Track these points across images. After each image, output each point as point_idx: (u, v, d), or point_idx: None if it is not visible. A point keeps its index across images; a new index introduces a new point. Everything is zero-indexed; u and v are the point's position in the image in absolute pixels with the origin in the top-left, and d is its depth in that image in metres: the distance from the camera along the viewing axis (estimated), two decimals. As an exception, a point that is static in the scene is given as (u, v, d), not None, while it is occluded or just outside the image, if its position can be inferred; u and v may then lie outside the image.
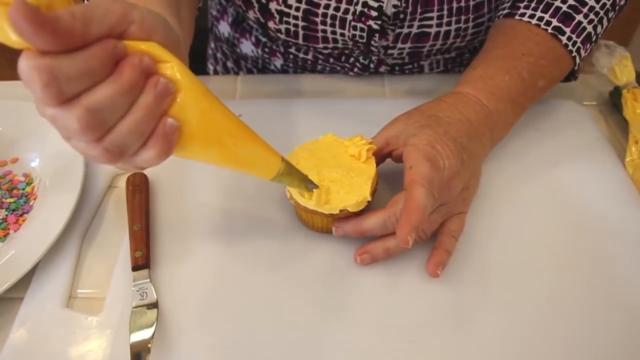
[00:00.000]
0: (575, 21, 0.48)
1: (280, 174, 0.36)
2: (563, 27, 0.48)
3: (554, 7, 0.49)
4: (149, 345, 0.37)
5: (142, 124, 0.28)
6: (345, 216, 0.42)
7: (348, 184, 0.41)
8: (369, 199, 0.41)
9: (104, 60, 0.26)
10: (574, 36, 0.48)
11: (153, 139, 0.29)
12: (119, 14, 0.27)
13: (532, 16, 0.49)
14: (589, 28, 0.49)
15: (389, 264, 0.43)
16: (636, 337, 0.39)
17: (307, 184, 0.39)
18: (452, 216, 0.43)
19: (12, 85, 0.61)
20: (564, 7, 0.48)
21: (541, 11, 0.49)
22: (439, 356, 0.38)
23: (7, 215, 0.47)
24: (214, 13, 0.73)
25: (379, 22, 0.53)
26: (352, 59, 0.62)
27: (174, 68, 0.29)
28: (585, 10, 0.48)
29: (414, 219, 0.37)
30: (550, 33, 0.48)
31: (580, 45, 0.49)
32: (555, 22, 0.48)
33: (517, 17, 0.50)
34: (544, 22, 0.49)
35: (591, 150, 0.53)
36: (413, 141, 0.42)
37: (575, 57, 0.49)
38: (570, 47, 0.49)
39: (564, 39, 0.48)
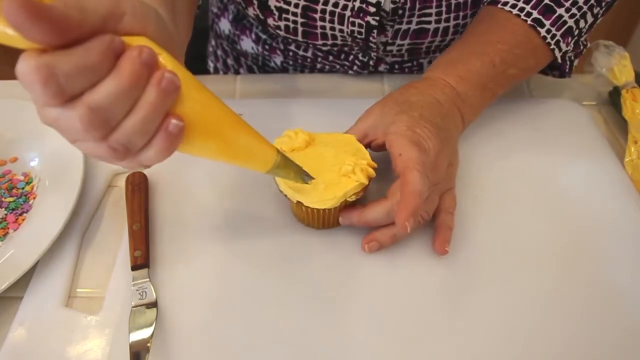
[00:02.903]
0: (556, 14, 0.49)
1: (276, 167, 0.36)
2: (543, 20, 0.49)
3: None
4: (148, 344, 0.37)
5: (148, 122, 0.27)
6: (350, 206, 0.42)
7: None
8: (367, 182, 0.42)
9: (102, 55, 0.25)
10: (553, 29, 0.49)
11: (158, 137, 0.28)
12: (110, 2, 0.26)
13: (513, 6, 0.50)
14: (570, 22, 0.49)
15: (390, 255, 0.43)
16: (632, 337, 0.39)
17: (303, 176, 0.39)
18: (443, 194, 0.44)
19: (11, 84, 0.61)
20: (546, 0, 0.49)
21: (523, 2, 0.49)
22: (438, 348, 0.38)
23: (6, 214, 0.47)
24: (215, 10, 0.73)
25: (377, 18, 0.53)
26: (351, 57, 0.62)
27: (167, 61, 0.28)
28: (567, 4, 0.49)
29: (411, 204, 0.37)
30: (530, 24, 0.49)
31: (560, 38, 0.49)
32: (535, 14, 0.49)
33: (499, 5, 0.51)
34: (524, 12, 0.49)
35: (590, 150, 0.53)
36: (393, 129, 0.42)
37: (554, 49, 0.50)
38: (548, 40, 0.49)
39: (542, 31, 0.49)
